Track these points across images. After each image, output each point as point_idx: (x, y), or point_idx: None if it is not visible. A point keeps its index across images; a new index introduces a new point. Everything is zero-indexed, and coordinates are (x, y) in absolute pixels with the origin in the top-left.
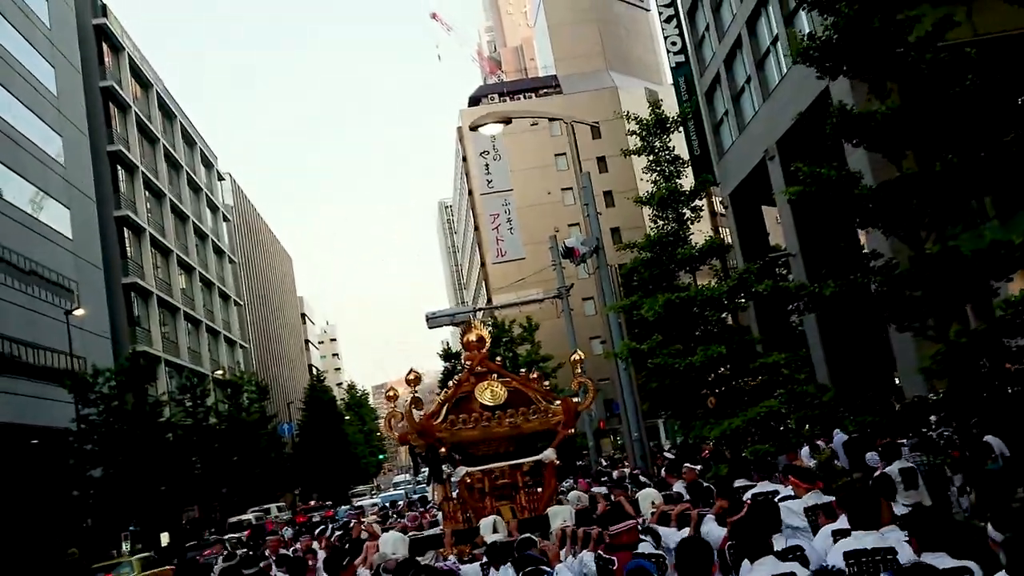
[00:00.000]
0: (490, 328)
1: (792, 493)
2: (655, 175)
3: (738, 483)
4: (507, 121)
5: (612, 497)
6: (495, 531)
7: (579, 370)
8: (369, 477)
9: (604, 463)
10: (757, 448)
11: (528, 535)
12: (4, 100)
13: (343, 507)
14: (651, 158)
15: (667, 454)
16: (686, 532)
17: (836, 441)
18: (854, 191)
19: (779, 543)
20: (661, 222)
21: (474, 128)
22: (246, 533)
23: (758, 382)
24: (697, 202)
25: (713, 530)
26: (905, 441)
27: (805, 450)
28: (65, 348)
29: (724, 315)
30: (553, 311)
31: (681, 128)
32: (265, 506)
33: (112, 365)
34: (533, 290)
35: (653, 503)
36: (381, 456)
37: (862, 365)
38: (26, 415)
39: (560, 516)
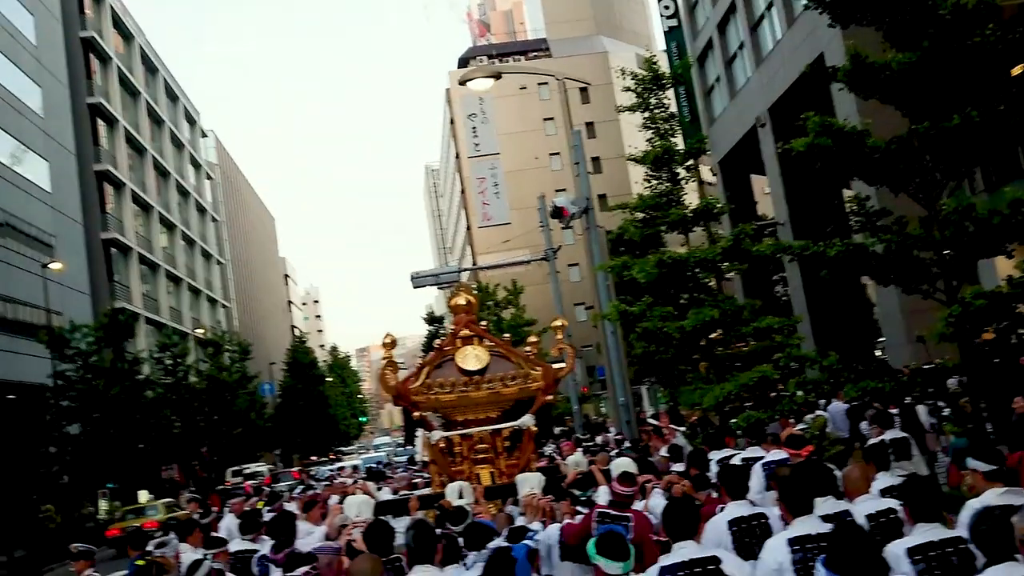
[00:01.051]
0: (475, 291)
1: (778, 457)
2: (650, 133)
3: (724, 451)
4: (497, 76)
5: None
6: (460, 496)
7: (560, 336)
8: (350, 439)
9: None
10: (750, 415)
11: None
12: None
13: (324, 467)
14: (646, 115)
15: (651, 420)
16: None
17: (833, 409)
18: (864, 146)
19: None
20: (655, 181)
21: (463, 82)
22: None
23: (750, 348)
24: (691, 162)
25: (659, 504)
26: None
27: (810, 417)
28: (42, 302)
29: (712, 281)
30: (538, 276)
31: (675, 87)
32: (246, 466)
33: (91, 321)
34: (519, 252)
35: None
36: (363, 419)
37: (847, 335)
38: (1, 370)
39: (528, 483)
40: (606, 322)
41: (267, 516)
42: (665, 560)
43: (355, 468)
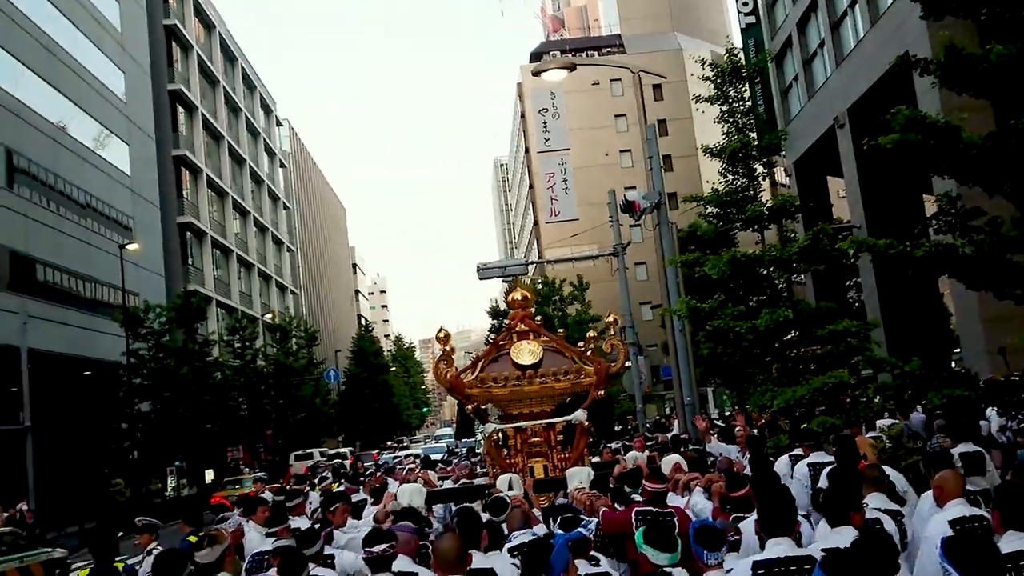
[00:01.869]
0: (540, 286)
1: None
2: (726, 127)
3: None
4: (572, 68)
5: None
6: (510, 488)
7: (612, 332)
8: (412, 429)
9: (649, 428)
10: (824, 420)
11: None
12: (70, 34)
13: (389, 454)
14: (724, 108)
15: (716, 422)
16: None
17: (914, 418)
18: (959, 141)
19: None
20: (730, 176)
21: (537, 73)
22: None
23: (823, 351)
24: (771, 158)
25: (699, 502)
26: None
27: (885, 422)
28: (118, 282)
29: (786, 281)
30: (604, 273)
31: (751, 84)
32: (308, 450)
33: (164, 303)
34: (585, 248)
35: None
36: (425, 409)
37: (922, 343)
38: (78, 347)
39: (577, 478)
40: (674, 320)
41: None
42: (760, 556)
43: (416, 457)
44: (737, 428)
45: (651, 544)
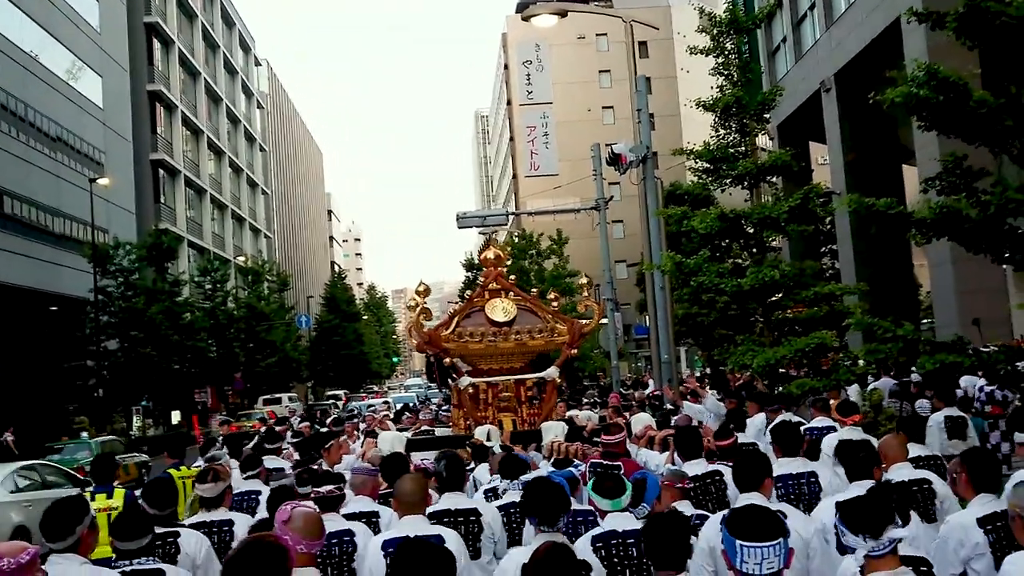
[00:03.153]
0: (518, 239)
1: (820, 425)
2: (721, 79)
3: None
4: (563, 14)
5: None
6: (488, 439)
7: (586, 293)
8: (382, 379)
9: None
10: (804, 382)
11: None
12: None
13: (359, 402)
14: (720, 61)
15: (685, 384)
16: (666, 456)
17: (881, 384)
18: (969, 99)
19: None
20: (722, 131)
21: (527, 18)
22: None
23: (806, 313)
24: (764, 115)
25: (652, 456)
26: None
27: (854, 388)
28: (88, 218)
29: (776, 239)
30: (583, 229)
31: (740, 40)
32: (277, 395)
33: (135, 240)
34: (564, 202)
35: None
36: (396, 359)
37: (894, 313)
38: (44, 281)
39: (552, 431)
40: (655, 276)
41: None
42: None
43: (386, 404)
44: (686, 386)
45: (597, 491)
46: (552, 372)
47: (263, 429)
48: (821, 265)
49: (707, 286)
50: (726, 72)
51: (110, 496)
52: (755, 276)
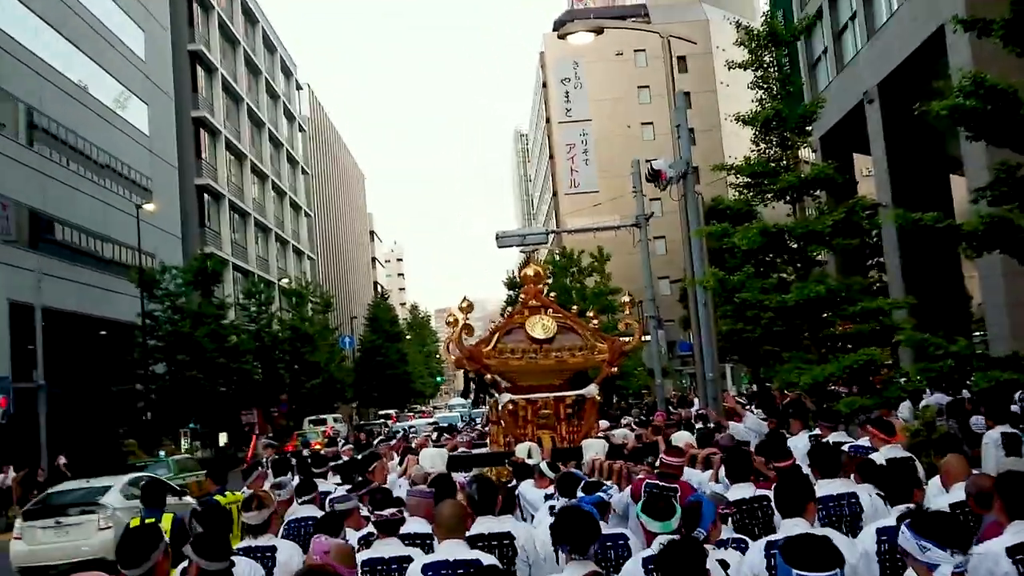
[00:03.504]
0: (559, 257)
1: (867, 444)
2: (760, 93)
3: (811, 435)
4: (599, 31)
5: (643, 438)
6: (529, 456)
7: (628, 311)
8: (426, 398)
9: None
10: (855, 400)
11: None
12: None
13: (403, 423)
14: (759, 74)
15: (737, 400)
16: (709, 474)
17: (933, 400)
18: (1020, 106)
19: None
20: (763, 145)
21: (563, 36)
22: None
23: (854, 329)
24: (806, 127)
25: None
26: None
27: (905, 405)
28: (135, 243)
29: (821, 254)
30: (624, 246)
31: (779, 55)
32: (322, 416)
33: (181, 264)
34: (605, 219)
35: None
36: (439, 379)
37: (945, 327)
38: (94, 306)
39: (593, 448)
40: (699, 292)
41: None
42: (775, 536)
43: (432, 425)
44: (725, 405)
45: (647, 513)
46: (592, 390)
47: (305, 452)
48: (869, 279)
49: (751, 302)
50: (765, 86)
51: (159, 520)
52: (800, 292)
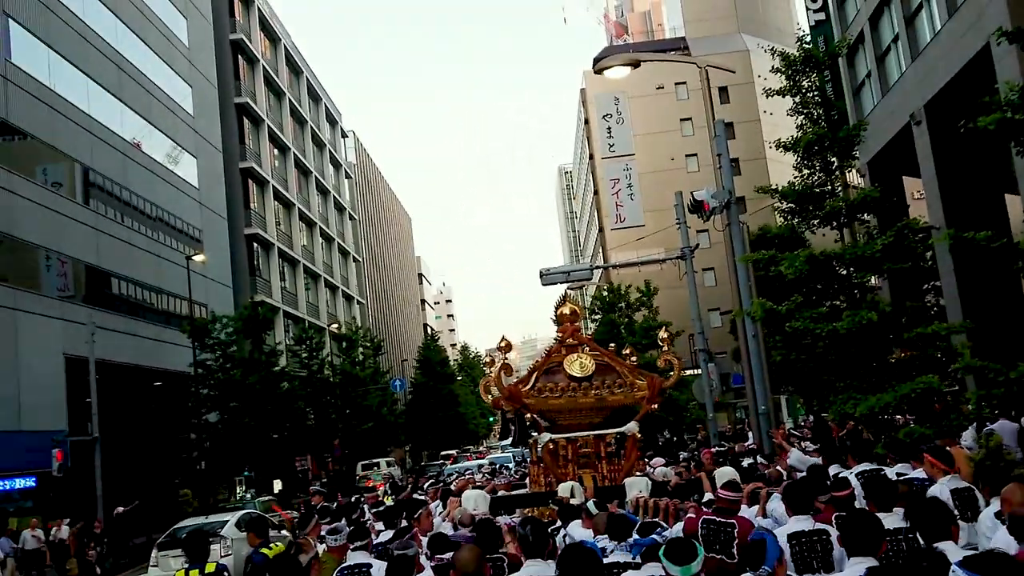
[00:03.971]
0: (606, 292)
1: (923, 476)
2: (801, 118)
3: (862, 467)
4: (635, 64)
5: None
6: (572, 495)
7: (666, 347)
8: (479, 439)
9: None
10: (914, 429)
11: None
12: (141, 52)
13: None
14: (797, 100)
15: (793, 432)
16: (755, 510)
17: (1000, 427)
18: None
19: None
20: (806, 171)
21: (600, 71)
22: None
23: (908, 356)
24: (851, 150)
25: (778, 507)
26: None
27: (968, 433)
28: (187, 294)
29: (871, 279)
30: (671, 279)
31: (828, 78)
32: (375, 460)
33: (232, 312)
34: (651, 252)
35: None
36: (492, 419)
37: (1008, 352)
38: (147, 357)
39: (636, 487)
40: (747, 323)
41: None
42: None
43: (482, 467)
44: (776, 442)
45: (667, 557)
46: (632, 427)
47: (318, 504)
48: (924, 303)
49: (801, 331)
50: (805, 111)
51: (202, 573)
52: (851, 319)
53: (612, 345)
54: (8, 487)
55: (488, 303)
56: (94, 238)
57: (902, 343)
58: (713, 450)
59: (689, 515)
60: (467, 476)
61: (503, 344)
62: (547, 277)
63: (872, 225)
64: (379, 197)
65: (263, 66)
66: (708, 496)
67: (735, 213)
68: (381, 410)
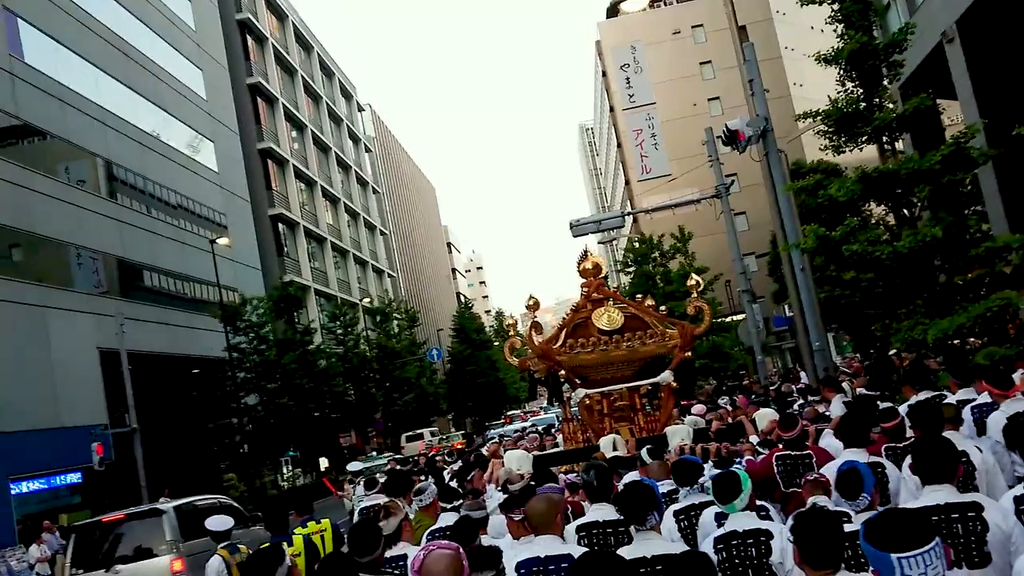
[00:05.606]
0: (638, 243)
1: (987, 400)
2: (839, 27)
3: (922, 395)
4: None
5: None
6: (615, 449)
7: (695, 295)
8: (521, 403)
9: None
10: (994, 351)
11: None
12: (146, 36)
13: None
14: (836, 6)
15: (844, 369)
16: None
17: None
18: None
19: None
20: (850, 84)
21: (616, 12)
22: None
23: (974, 274)
24: (897, 56)
25: (832, 443)
26: None
27: None
28: (215, 279)
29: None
30: (705, 224)
31: None
32: (418, 431)
33: (264, 295)
34: (686, 191)
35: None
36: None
37: None
38: (181, 345)
39: (678, 435)
40: (794, 256)
41: None
42: (915, 503)
43: (524, 430)
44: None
45: (715, 494)
46: (667, 376)
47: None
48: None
49: (854, 259)
50: (841, 17)
51: (290, 544)
52: (912, 238)
53: (639, 296)
54: (55, 484)
55: (520, 267)
56: (120, 231)
57: (967, 260)
58: (752, 396)
59: (747, 457)
60: (494, 442)
61: (531, 303)
62: (577, 228)
63: (904, 153)
64: (401, 169)
65: (272, 44)
66: (753, 438)
67: (772, 141)
68: (420, 381)
